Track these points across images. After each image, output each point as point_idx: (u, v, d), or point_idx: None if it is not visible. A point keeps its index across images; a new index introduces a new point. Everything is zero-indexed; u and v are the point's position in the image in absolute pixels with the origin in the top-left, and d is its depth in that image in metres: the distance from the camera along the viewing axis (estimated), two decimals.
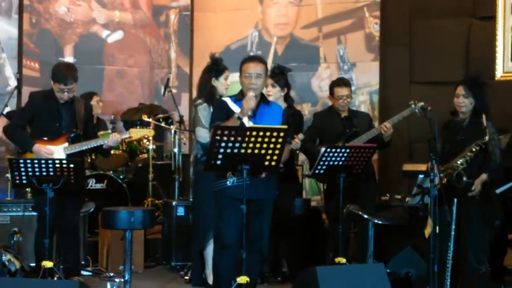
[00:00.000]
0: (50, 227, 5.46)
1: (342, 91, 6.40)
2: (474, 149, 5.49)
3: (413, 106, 6.17)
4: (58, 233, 5.89)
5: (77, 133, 5.86)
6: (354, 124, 6.40)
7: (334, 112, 6.50)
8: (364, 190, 6.34)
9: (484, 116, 5.45)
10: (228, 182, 4.94)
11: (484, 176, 5.51)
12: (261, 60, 5.12)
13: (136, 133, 6.24)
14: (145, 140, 8.04)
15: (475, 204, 5.52)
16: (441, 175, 5.35)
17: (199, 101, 5.86)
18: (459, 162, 5.51)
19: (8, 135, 6.02)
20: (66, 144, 5.82)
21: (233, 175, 4.90)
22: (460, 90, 5.61)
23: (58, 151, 5.79)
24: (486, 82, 5.84)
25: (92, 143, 5.87)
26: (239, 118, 4.89)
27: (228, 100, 5.07)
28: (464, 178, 5.47)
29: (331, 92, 6.47)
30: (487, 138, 5.42)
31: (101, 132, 7.10)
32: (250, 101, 4.89)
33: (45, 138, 5.79)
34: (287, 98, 6.23)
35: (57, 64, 6.04)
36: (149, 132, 6.38)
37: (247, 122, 4.93)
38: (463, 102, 5.60)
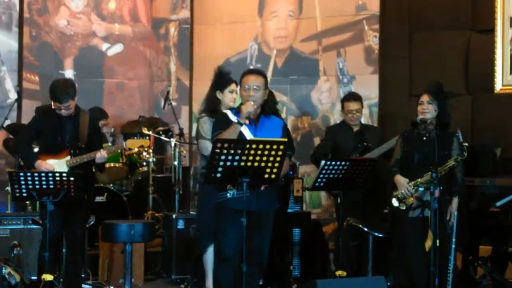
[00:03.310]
0: (54, 240, 5.45)
1: (351, 106, 6.54)
2: (452, 165, 5.50)
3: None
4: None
5: (80, 146, 5.82)
6: (366, 138, 6.47)
7: (346, 126, 6.61)
8: (374, 202, 6.39)
9: (459, 131, 5.48)
10: (228, 194, 4.95)
11: (455, 201, 5.55)
12: (260, 73, 5.17)
13: (132, 144, 6.25)
14: (145, 153, 8.04)
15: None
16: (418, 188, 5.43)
17: (202, 114, 5.82)
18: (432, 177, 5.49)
19: (16, 152, 6.10)
20: (69, 157, 5.80)
21: (232, 187, 4.91)
22: (424, 97, 5.63)
23: (61, 165, 5.76)
24: (448, 93, 5.86)
25: (89, 156, 5.80)
26: (239, 123, 4.90)
27: (228, 113, 5.10)
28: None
29: (342, 107, 6.62)
30: (465, 154, 5.44)
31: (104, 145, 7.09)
32: (249, 104, 4.93)
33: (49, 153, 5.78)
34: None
35: (54, 81, 5.91)
36: (145, 142, 6.40)
37: (245, 130, 4.94)
38: (427, 108, 5.59)
